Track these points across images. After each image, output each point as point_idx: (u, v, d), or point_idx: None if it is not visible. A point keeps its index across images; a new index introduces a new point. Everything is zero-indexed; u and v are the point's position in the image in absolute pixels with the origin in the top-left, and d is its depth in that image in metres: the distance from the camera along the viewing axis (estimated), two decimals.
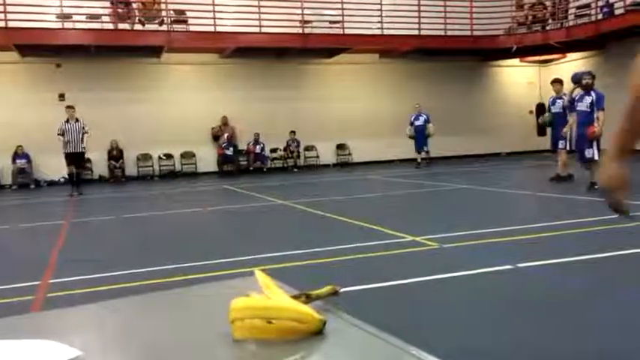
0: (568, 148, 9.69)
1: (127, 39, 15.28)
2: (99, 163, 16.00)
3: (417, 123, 15.96)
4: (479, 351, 2.72)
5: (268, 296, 1.03)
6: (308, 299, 1.04)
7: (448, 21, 18.01)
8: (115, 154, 16.07)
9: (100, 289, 4.13)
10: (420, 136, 15.83)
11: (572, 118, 9.39)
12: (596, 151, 8.59)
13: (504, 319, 3.25)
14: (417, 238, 5.50)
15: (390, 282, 4.06)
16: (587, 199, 7.90)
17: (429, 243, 5.29)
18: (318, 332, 0.94)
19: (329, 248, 5.24)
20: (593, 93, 8.84)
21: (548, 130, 10.80)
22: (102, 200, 11.54)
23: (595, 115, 8.64)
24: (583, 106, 8.81)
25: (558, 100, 10.15)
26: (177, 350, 0.95)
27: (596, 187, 8.30)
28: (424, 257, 4.88)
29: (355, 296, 3.59)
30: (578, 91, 9.24)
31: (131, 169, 16.54)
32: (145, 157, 16.75)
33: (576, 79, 9.29)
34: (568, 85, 9.85)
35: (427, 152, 16.21)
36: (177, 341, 0.99)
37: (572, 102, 9.27)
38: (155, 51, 15.93)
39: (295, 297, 1.03)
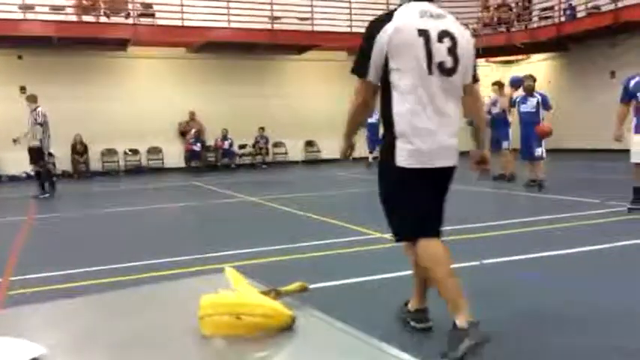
0: (511, 148, 10.15)
1: (91, 31, 14.96)
2: (62, 159, 15.63)
3: (371, 121, 14.98)
4: (444, 345, 2.76)
5: (238, 292, 1.03)
6: (277, 295, 1.04)
7: None
8: (79, 149, 15.74)
9: (63, 286, 4.05)
10: (373, 136, 14.77)
11: (512, 118, 9.74)
12: (544, 150, 8.88)
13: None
14: (385, 235, 5.55)
15: (357, 278, 4.10)
16: (548, 197, 8.10)
17: None
18: (287, 328, 0.94)
19: (297, 245, 5.24)
20: (537, 95, 9.13)
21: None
22: (65, 196, 11.28)
23: (541, 116, 8.94)
24: (528, 107, 9.06)
25: (498, 102, 10.47)
26: (146, 347, 0.94)
27: (542, 186, 8.62)
28: (391, 254, 4.93)
29: (323, 292, 3.60)
30: (519, 94, 9.54)
31: (96, 165, 16.23)
32: (110, 152, 16.45)
33: (517, 83, 9.61)
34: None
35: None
36: (145, 338, 0.98)
37: (514, 104, 9.55)
38: (121, 44, 15.64)
39: (264, 293, 1.03)
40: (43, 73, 15.16)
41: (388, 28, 2.57)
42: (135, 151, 16.66)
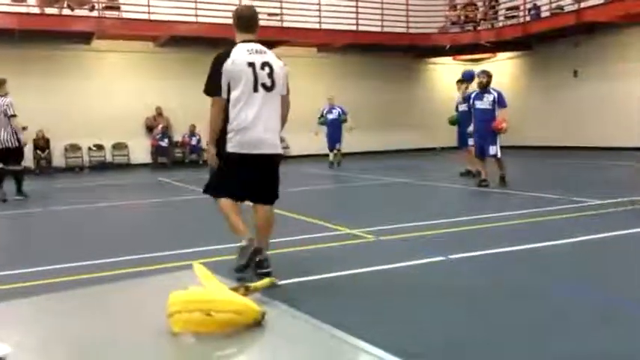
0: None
1: (54, 24, 14.58)
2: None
3: (331, 117, 14.17)
4: (412, 338, 2.80)
5: (207, 289, 1.03)
6: (247, 291, 1.04)
7: (385, 18, 18.32)
8: (41, 145, 15.36)
9: (27, 284, 3.96)
10: (333, 132, 14.07)
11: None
12: (498, 148, 8.75)
13: (437, 309, 3.37)
14: (354, 231, 5.59)
15: (326, 274, 4.11)
16: (512, 193, 8.27)
17: (366, 236, 5.38)
18: (257, 324, 0.95)
19: None
20: (493, 91, 8.92)
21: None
22: (27, 192, 10.99)
23: (497, 112, 8.74)
24: (484, 104, 8.86)
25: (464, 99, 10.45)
26: (113, 345, 0.93)
27: (504, 180, 8.73)
28: (361, 250, 4.97)
29: (292, 288, 3.61)
30: (472, 89, 9.54)
31: (58, 161, 15.87)
32: (74, 147, 16.10)
33: (469, 77, 9.54)
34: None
35: (339, 150, 14.21)
36: (113, 336, 0.97)
37: (467, 100, 9.50)
38: (85, 37, 15.31)
39: (234, 289, 1.03)
40: (4, 66, 14.68)
41: (228, 62, 3.84)
42: (99, 147, 16.35)
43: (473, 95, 9.25)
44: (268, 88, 3.88)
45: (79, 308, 1.14)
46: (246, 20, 4.16)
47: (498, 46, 19.08)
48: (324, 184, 11.07)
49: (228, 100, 3.86)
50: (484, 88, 8.98)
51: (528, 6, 17.88)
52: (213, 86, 3.89)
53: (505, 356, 2.68)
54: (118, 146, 16.57)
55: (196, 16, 15.80)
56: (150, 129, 16.69)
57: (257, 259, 3.82)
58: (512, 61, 20.23)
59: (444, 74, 21.57)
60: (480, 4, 20.00)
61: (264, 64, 3.91)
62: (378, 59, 19.34)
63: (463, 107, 10.27)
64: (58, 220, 7.47)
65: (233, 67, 3.82)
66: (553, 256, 4.61)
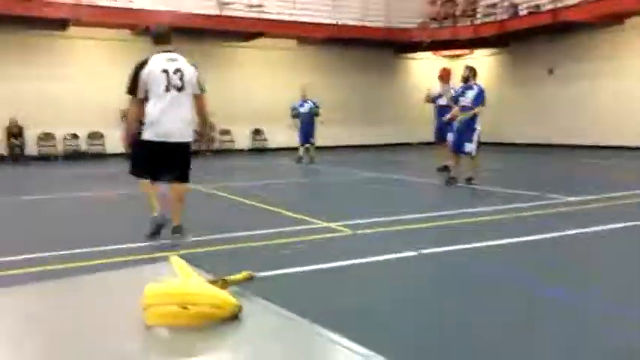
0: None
1: (28, 9, 14.24)
2: None
3: (303, 110, 13.56)
4: (385, 331, 2.84)
5: (184, 282, 1.02)
6: (224, 284, 1.04)
7: (365, 12, 18.33)
8: (14, 132, 15.05)
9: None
10: (306, 126, 13.49)
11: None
12: (474, 147, 8.62)
13: (411, 303, 3.41)
14: (331, 225, 5.61)
15: (303, 267, 4.13)
16: (488, 189, 8.37)
17: (342, 229, 5.41)
18: (234, 317, 0.94)
19: (242, 233, 5.22)
20: (475, 87, 8.72)
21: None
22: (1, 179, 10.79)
23: (476, 109, 8.58)
24: (466, 100, 8.69)
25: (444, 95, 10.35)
26: (88, 337, 0.92)
27: (472, 181, 8.58)
28: (338, 243, 4.99)
29: (269, 281, 3.61)
30: (453, 85, 9.47)
31: (32, 149, 15.57)
32: (48, 136, 15.81)
33: (446, 76, 9.38)
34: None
35: (312, 144, 13.64)
36: (88, 328, 0.96)
37: (439, 96, 9.68)
38: (61, 24, 15.00)
39: (211, 282, 1.03)
40: None
41: (145, 70, 4.77)
42: (74, 136, 16.08)
43: (457, 91, 9.08)
44: (179, 89, 4.80)
45: (54, 299, 1.12)
46: (162, 36, 5.07)
47: (476, 43, 19.25)
48: (302, 178, 11.07)
49: (145, 98, 4.81)
50: (466, 81, 8.83)
51: (506, 4, 18.07)
52: (132, 87, 4.84)
53: (475, 350, 2.73)
54: (94, 135, 16.32)
55: (175, 5, 15.60)
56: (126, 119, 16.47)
57: (173, 226, 4.90)
58: (490, 58, 20.44)
59: (423, 69, 21.69)
60: (459, 0, 20.14)
61: (177, 70, 4.81)
62: (357, 53, 19.36)
63: (442, 102, 10.28)
64: (30, 209, 7.34)
65: (149, 73, 4.76)
66: (527, 252, 4.69)
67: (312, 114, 13.48)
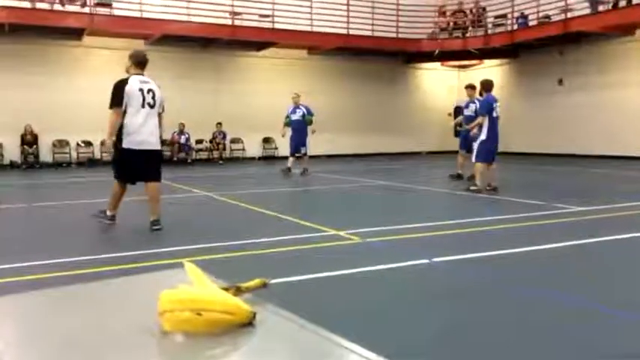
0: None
1: (45, 19, 14.47)
2: (10, 148, 15.11)
3: (294, 117, 12.73)
4: (396, 338, 2.85)
5: (198, 288, 1.03)
6: (238, 291, 1.05)
7: (375, 22, 18.41)
8: (29, 139, 15.23)
9: (17, 279, 3.93)
10: (297, 135, 12.71)
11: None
12: (473, 156, 9.15)
13: (422, 312, 3.42)
14: (340, 232, 5.63)
15: (314, 274, 4.14)
16: (498, 198, 8.35)
17: (352, 237, 5.43)
18: (247, 324, 0.95)
19: (254, 241, 5.25)
20: (477, 101, 9.91)
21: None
22: (14, 187, 10.91)
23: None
24: (469, 111, 10.12)
25: (471, 104, 10.65)
26: (103, 343, 0.93)
27: (472, 187, 8.96)
28: (347, 251, 5.01)
29: (281, 288, 3.63)
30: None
31: (46, 156, 15.74)
32: (62, 143, 15.98)
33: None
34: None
35: (304, 154, 12.82)
36: (103, 334, 0.97)
37: (466, 106, 10.46)
38: (76, 33, 15.20)
39: (225, 289, 1.03)
40: None
41: (127, 87, 5.71)
42: (88, 143, 16.23)
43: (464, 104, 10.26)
44: (151, 106, 5.82)
45: (70, 305, 1.13)
46: (142, 62, 5.99)
47: (486, 54, 19.25)
48: (310, 186, 11.10)
49: (125, 111, 5.71)
50: (480, 95, 9.68)
51: (516, 14, 18.07)
52: (117, 101, 5.74)
53: (487, 357, 2.74)
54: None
55: (188, 15, 15.76)
56: None
57: (152, 220, 5.93)
58: (499, 69, 20.41)
59: (432, 80, 21.71)
60: (468, 11, 20.17)
61: (149, 90, 5.83)
62: (367, 63, 19.42)
63: (468, 112, 10.54)
64: (44, 215, 7.42)
65: (129, 90, 5.71)
66: (536, 260, 4.67)
67: (305, 122, 12.65)
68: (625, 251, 5.08)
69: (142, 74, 5.92)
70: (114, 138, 5.79)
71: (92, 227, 6.13)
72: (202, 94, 17.24)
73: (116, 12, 15.54)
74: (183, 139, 16.94)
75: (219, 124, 17.47)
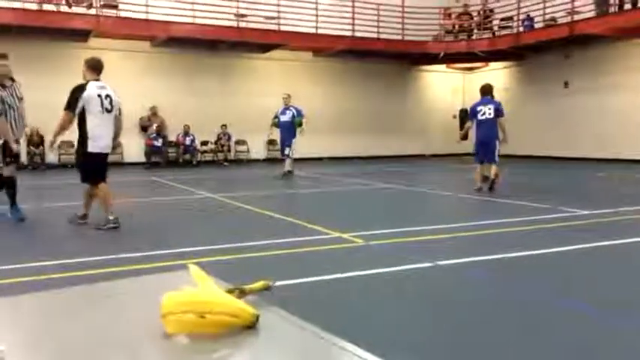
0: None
1: (51, 20, 14.54)
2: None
3: (283, 118, 12.40)
4: (399, 342, 2.85)
5: (202, 290, 1.02)
6: (241, 294, 1.05)
7: (381, 25, 18.41)
8: (35, 141, 15.30)
9: (20, 280, 3.94)
10: (284, 135, 12.44)
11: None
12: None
13: (425, 314, 3.41)
14: (344, 235, 5.63)
15: (318, 277, 4.13)
16: (502, 202, 8.33)
17: (355, 240, 5.42)
18: (251, 327, 0.95)
19: (257, 243, 5.24)
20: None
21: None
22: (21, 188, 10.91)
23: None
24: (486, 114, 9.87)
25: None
26: (106, 345, 0.93)
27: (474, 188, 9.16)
28: (351, 253, 5.00)
29: (284, 291, 3.63)
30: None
31: (51, 157, 15.78)
32: (67, 144, 16.01)
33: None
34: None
35: (288, 156, 12.42)
36: (106, 336, 0.97)
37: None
38: (82, 35, 15.26)
39: (229, 291, 1.04)
40: None
41: (84, 93, 5.99)
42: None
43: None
44: (109, 111, 6.13)
45: (74, 307, 1.13)
46: (96, 67, 6.28)
47: (491, 56, 19.21)
48: (313, 188, 11.10)
49: (83, 117, 6.01)
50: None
51: (522, 17, 18.03)
52: (71, 105, 5.99)
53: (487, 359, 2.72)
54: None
55: (194, 17, 15.80)
56: (144, 128, 16.65)
57: (80, 215, 6.32)
58: (505, 71, 20.37)
59: (438, 82, 21.69)
60: (474, 13, 20.14)
61: (107, 96, 6.13)
62: (372, 65, 19.42)
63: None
64: (52, 217, 7.45)
65: (88, 96, 5.98)
66: (540, 264, 4.66)
67: (293, 123, 12.29)
68: (629, 256, 5.05)
69: (99, 79, 6.19)
70: (59, 139, 6.24)
71: (93, 228, 6.15)
72: (207, 95, 17.27)
73: (122, 14, 15.59)
74: (188, 141, 16.98)
75: (224, 125, 17.50)
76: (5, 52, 6.72)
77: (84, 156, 6.12)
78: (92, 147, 6.03)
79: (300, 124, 12.34)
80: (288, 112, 12.44)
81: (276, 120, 12.59)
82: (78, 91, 6.01)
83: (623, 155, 15.85)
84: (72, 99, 6.00)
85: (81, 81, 6.23)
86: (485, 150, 9.35)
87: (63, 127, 6.15)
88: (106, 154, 6.25)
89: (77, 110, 5.96)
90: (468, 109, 10.28)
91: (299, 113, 12.35)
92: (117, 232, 6.09)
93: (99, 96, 6.01)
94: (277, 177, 12.16)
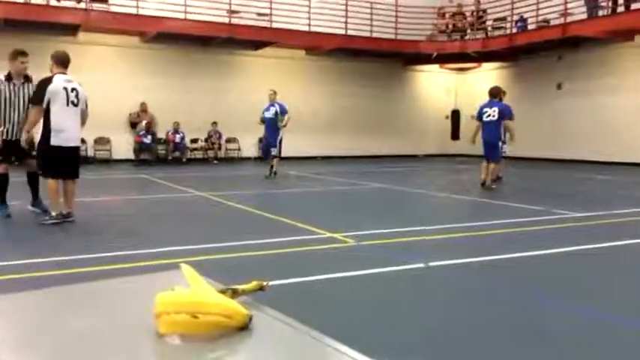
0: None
1: (39, 14, 14.40)
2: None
3: (267, 115, 12.02)
4: (391, 345, 2.82)
5: (194, 290, 1.02)
6: (234, 294, 1.04)
7: (374, 24, 18.42)
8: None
9: (8, 277, 3.89)
10: (267, 134, 12.09)
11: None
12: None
13: (417, 315, 3.39)
14: (335, 235, 5.60)
15: (309, 277, 4.12)
16: (497, 203, 8.35)
17: (346, 240, 5.40)
18: (244, 327, 0.94)
19: (248, 242, 5.22)
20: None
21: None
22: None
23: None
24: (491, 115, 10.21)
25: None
26: (98, 344, 0.92)
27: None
28: (341, 254, 4.98)
29: (276, 291, 3.59)
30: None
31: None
32: None
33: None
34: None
35: (274, 156, 11.93)
36: (99, 335, 0.96)
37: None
38: (71, 29, 15.13)
39: (222, 292, 1.03)
40: None
41: (51, 86, 5.99)
42: (82, 141, 16.13)
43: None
44: (75, 105, 6.12)
45: (65, 306, 1.12)
46: (62, 61, 6.26)
47: (484, 57, 19.28)
48: (305, 188, 11.07)
49: (48, 109, 5.96)
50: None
51: (515, 18, 18.10)
52: (39, 99, 5.99)
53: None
54: (101, 141, 16.41)
55: (185, 12, 15.72)
56: (133, 125, 16.55)
57: (65, 213, 6.17)
58: (498, 72, 20.46)
59: (430, 82, 21.74)
60: (468, 14, 20.20)
61: (73, 89, 6.13)
62: (365, 64, 19.43)
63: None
64: (30, 214, 7.34)
65: (53, 89, 5.98)
66: (532, 266, 4.66)
67: (275, 121, 11.90)
68: (621, 258, 5.07)
69: (65, 73, 6.18)
70: (33, 134, 6.11)
71: (89, 226, 6.08)
72: (198, 92, 17.20)
73: (112, 8, 15.48)
74: (177, 138, 16.89)
75: (215, 123, 17.42)
76: (24, 50, 6.88)
77: (46, 149, 6.03)
78: (54, 140, 5.97)
79: (282, 121, 11.97)
80: (272, 108, 12.15)
81: (262, 117, 12.37)
82: (44, 84, 6.01)
83: (617, 158, 15.95)
84: (38, 92, 6.02)
85: (48, 74, 6.18)
86: (488, 149, 9.91)
87: (34, 122, 6.09)
88: (71, 148, 6.14)
89: (45, 103, 5.95)
90: (475, 112, 10.66)
91: (282, 110, 12.02)
92: (101, 230, 6.02)
93: (64, 89, 6.01)
94: (268, 177, 11.98)
